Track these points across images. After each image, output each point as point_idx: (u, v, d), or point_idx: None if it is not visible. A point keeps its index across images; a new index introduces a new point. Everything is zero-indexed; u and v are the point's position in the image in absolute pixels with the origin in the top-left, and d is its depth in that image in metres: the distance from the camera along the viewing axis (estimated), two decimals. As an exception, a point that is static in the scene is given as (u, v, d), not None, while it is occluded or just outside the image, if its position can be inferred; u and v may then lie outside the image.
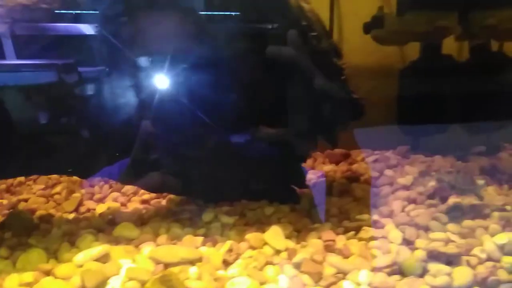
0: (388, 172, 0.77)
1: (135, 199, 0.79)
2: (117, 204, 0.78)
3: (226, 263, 0.52)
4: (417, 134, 0.95)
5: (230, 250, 0.53)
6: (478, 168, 0.83)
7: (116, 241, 0.57)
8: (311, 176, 0.83)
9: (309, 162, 0.90)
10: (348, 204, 0.70)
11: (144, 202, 0.77)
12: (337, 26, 1.05)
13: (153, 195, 0.78)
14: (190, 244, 0.55)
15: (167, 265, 0.50)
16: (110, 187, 0.84)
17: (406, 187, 0.72)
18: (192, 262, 0.52)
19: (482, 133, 0.95)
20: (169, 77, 0.63)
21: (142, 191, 0.79)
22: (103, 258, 0.53)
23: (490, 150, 0.93)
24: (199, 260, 0.52)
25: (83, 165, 0.70)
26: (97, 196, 0.81)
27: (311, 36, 0.52)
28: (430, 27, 0.85)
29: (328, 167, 0.85)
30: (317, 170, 0.85)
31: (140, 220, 0.65)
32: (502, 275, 0.52)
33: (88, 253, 0.53)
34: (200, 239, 0.57)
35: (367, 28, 0.89)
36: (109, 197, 0.81)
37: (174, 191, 0.72)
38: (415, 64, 0.90)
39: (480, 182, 0.71)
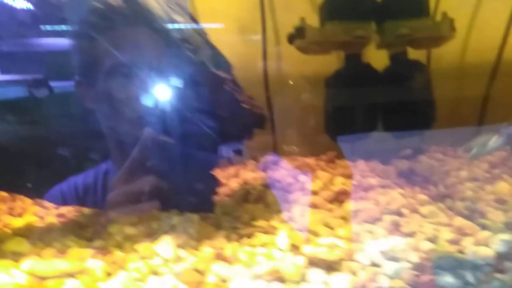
0: (302, 178, 0.78)
1: (53, 212, 0.79)
2: (35, 218, 0.78)
3: (109, 275, 0.53)
4: (345, 140, 0.97)
5: (113, 262, 0.53)
6: (396, 171, 0.85)
7: (3, 256, 0.57)
8: (234, 184, 0.85)
9: (235, 169, 0.91)
10: (259, 211, 0.71)
11: (60, 215, 0.77)
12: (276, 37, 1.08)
13: (71, 208, 0.78)
14: (76, 257, 0.55)
15: (44, 279, 0.50)
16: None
17: (315, 192, 0.73)
18: (72, 275, 0.52)
19: (409, 137, 0.98)
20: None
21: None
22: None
23: (415, 153, 0.95)
24: (81, 272, 0.53)
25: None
26: (17, 210, 0.81)
27: (185, 49, 0.53)
28: (348, 37, 0.87)
29: (251, 175, 0.86)
30: (239, 178, 0.86)
31: (40, 235, 0.65)
32: (384, 281, 0.53)
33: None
34: (89, 251, 0.57)
35: (291, 38, 0.92)
36: (29, 211, 0.81)
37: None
38: (338, 73, 0.93)
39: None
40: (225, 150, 0.68)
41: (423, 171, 0.84)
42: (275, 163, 0.93)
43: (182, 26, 0.52)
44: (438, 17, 0.90)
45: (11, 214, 0.80)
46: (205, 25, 0.99)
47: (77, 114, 0.76)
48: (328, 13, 0.88)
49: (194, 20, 0.59)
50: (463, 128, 1.03)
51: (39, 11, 0.65)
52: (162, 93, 0.54)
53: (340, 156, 0.96)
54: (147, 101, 0.55)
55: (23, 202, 0.84)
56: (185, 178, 0.71)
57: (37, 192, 0.83)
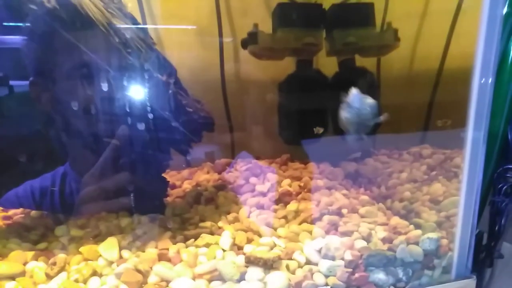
0: (253, 180, 0.81)
1: (-1, 215, 0.78)
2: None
3: (49, 277, 0.53)
4: (299, 143, 1.01)
5: (53, 263, 0.54)
6: (344, 173, 0.90)
7: None
8: (187, 186, 0.86)
9: (190, 171, 0.93)
10: (209, 211, 0.73)
11: (6, 218, 0.76)
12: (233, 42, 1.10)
13: (18, 211, 0.77)
14: (17, 259, 0.55)
15: (-19, 282, 0.50)
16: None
17: (263, 194, 0.76)
18: (12, 277, 0.52)
19: (359, 141, 1.03)
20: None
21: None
22: None
23: (364, 156, 1.00)
24: (22, 275, 0.53)
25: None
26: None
27: (126, 53, 0.54)
28: (298, 44, 0.90)
29: (204, 177, 0.88)
30: (193, 180, 0.87)
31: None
32: (319, 278, 0.56)
33: None
34: (31, 254, 0.57)
35: (244, 43, 0.94)
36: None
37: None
38: (290, 78, 0.96)
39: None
40: (183, 152, 0.69)
41: (368, 173, 0.88)
42: (230, 165, 0.95)
43: (122, 30, 0.53)
44: (384, 26, 0.95)
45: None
46: (163, 28, 1.01)
47: (35, 115, 0.75)
48: (280, 20, 0.91)
49: (134, 20, 0.60)
50: (409, 132, 1.10)
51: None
52: (105, 96, 0.55)
53: (293, 158, 1.00)
54: (89, 104, 0.55)
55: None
56: (136, 181, 0.71)
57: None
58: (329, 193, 0.77)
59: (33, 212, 0.74)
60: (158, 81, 0.57)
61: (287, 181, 0.78)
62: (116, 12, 0.54)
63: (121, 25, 0.54)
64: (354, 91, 0.71)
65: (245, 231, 0.63)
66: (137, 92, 0.56)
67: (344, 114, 0.71)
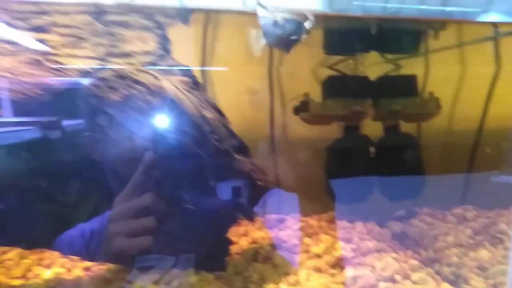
0: (307, 240, 0.87)
1: (79, 264, 0.87)
2: (63, 270, 0.86)
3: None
4: (345, 201, 1.07)
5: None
6: (391, 234, 0.95)
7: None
8: (244, 243, 0.93)
9: (244, 227, 1.00)
10: (267, 271, 0.79)
11: (86, 269, 0.85)
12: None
13: (95, 264, 0.86)
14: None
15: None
16: (61, 252, 0.92)
17: (318, 256, 0.82)
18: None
19: (402, 199, 1.08)
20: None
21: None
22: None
23: (408, 215, 1.05)
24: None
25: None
26: (45, 261, 0.89)
27: (212, 139, 0.64)
28: (346, 112, 0.99)
29: (259, 234, 0.94)
30: (249, 237, 0.94)
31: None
32: None
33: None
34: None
35: (296, 110, 1.03)
36: (57, 262, 0.89)
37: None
38: (338, 141, 1.04)
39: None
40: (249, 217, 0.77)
41: (415, 234, 0.93)
42: (281, 221, 1.02)
43: (210, 120, 0.63)
44: (426, 95, 1.03)
45: (40, 265, 0.88)
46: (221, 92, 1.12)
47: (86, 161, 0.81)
48: (330, 90, 1.01)
49: (219, 112, 0.70)
50: (451, 190, 1.14)
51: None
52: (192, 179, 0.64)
53: (340, 216, 1.05)
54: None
55: (51, 253, 0.91)
56: (202, 240, 0.79)
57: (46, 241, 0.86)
58: (380, 256, 0.82)
59: (111, 265, 0.83)
60: (237, 163, 0.66)
61: (340, 244, 0.84)
62: (205, 104, 0.64)
63: (209, 116, 0.64)
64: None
65: (307, 294, 0.69)
66: (217, 169, 0.66)
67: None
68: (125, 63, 0.62)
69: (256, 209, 0.90)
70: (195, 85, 0.69)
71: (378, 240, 0.90)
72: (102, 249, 0.72)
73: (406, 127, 1.06)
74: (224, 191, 0.74)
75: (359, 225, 0.97)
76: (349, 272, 0.73)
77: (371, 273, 0.73)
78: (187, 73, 0.69)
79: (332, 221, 1.02)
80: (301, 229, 0.93)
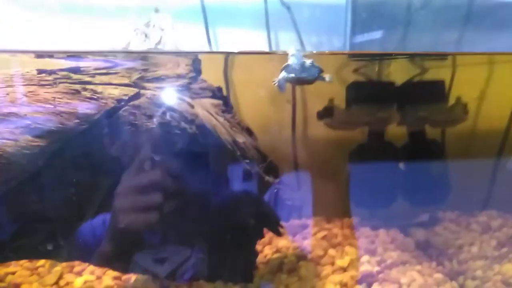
0: (331, 252, 0.88)
1: (109, 273, 0.90)
2: (93, 277, 0.89)
3: None
4: (367, 206, 1.07)
5: None
6: (414, 243, 0.95)
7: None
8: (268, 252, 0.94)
9: (268, 235, 1.01)
10: (293, 284, 0.81)
11: (116, 278, 0.87)
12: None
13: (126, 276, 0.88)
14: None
15: None
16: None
17: (344, 269, 0.83)
18: None
19: (425, 204, 1.08)
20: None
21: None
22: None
23: (432, 220, 1.05)
24: None
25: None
26: (76, 268, 0.92)
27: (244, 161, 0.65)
28: (371, 119, 0.97)
29: (283, 243, 0.96)
30: (272, 245, 0.95)
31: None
32: None
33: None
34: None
35: (320, 116, 1.02)
36: (87, 270, 0.92)
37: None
38: (362, 147, 1.03)
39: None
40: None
41: (439, 244, 0.93)
42: (304, 227, 1.03)
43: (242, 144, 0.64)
44: (453, 101, 1.00)
45: (71, 272, 0.91)
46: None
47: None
48: (354, 96, 0.99)
49: (250, 133, 0.70)
50: (475, 193, 1.13)
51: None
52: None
53: (362, 221, 1.06)
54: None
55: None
56: (233, 250, 0.81)
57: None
58: (404, 268, 0.83)
59: (139, 276, 0.85)
60: (265, 183, 0.67)
61: (366, 258, 0.85)
62: (237, 128, 0.64)
63: (240, 139, 0.64)
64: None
65: (334, 312, 0.70)
66: (250, 188, 0.66)
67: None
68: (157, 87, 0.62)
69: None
70: (226, 106, 0.69)
71: (402, 250, 0.91)
72: (110, 226, 0.70)
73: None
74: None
75: (382, 234, 0.97)
76: (375, 289, 0.74)
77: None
78: (218, 94, 0.69)
79: (355, 228, 1.02)
80: (325, 238, 0.94)
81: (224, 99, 0.69)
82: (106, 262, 0.79)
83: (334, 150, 1.09)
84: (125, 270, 0.83)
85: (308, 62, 0.62)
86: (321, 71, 0.64)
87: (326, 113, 1.01)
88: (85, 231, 0.92)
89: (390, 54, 0.96)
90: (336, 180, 1.09)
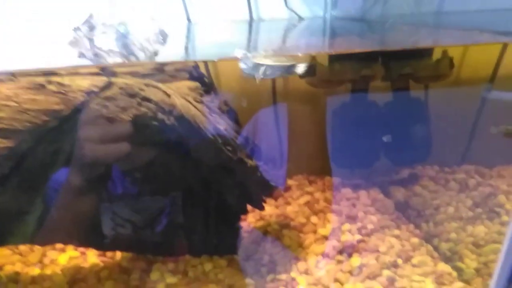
0: (314, 219, 0.89)
1: (92, 249, 0.89)
2: (77, 253, 0.88)
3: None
4: (349, 165, 1.07)
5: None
6: (393, 202, 0.97)
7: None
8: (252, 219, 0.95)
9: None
10: (278, 254, 0.83)
11: (101, 255, 0.87)
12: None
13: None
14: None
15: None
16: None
17: (325, 237, 0.85)
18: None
19: (407, 163, 1.09)
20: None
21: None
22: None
23: (411, 178, 1.07)
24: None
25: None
26: (58, 245, 0.91)
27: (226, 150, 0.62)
28: (355, 76, 0.93)
29: (266, 209, 0.96)
30: (256, 212, 0.96)
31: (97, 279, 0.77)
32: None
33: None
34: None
35: (302, 74, 0.96)
36: (70, 246, 0.91)
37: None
38: (344, 106, 0.99)
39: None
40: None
41: (417, 204, 0.95)
42: (286, 190, 1.03)
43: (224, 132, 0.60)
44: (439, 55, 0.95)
45: (54, 249, 0.90)
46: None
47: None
48: (339, 53, 0.92)
49: (238, 123, 0.67)
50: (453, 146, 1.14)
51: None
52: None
53: (344, 181, 1.06)
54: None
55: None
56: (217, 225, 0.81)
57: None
58: (384, 235, 0.85)
59: (124, 254, 0.85)
60: (249, 169, 0.65)
61: (346, 226, 0.86)
62: (217, 112, 0.60)
63: (222, 126, 0.60)
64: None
65: (316, 284, 0.73)
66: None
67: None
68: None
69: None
70: (205, 85, 0.63)
71: (382, 212, 0.93)
72: (74, 161, 0.59)
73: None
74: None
75: (363, 195, 0.99)
76: (355, 261, 0.77)
77: (375, 262, 0.77)
78: (196, 75, 0.62)
79: (337, 189, 1.03)
80: (308, 204, 0.95)
81: (201, 79, 0.63)
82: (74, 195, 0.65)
83: (316, 108, 1.06)
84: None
85: (267, 62, 0.62)
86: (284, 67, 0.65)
87: (308, 71, 0.94)
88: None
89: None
90: (319, 138, 1.07)
